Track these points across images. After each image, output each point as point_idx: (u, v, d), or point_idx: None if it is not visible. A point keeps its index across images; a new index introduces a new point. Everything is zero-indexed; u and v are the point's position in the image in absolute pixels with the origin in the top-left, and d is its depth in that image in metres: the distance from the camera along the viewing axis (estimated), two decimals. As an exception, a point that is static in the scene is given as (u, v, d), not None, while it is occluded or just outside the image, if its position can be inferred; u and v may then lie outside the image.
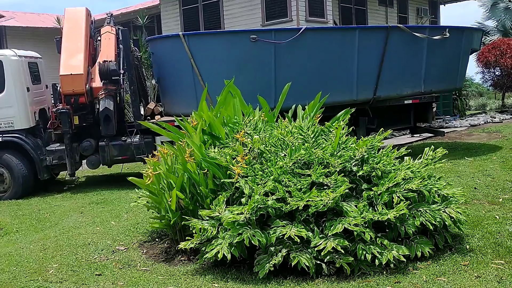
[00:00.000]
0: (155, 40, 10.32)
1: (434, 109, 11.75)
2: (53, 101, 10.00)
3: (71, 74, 8.82)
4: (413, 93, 9.85)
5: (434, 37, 9.36)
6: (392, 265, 4.14)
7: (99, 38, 10.03)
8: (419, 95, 10.00)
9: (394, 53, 9.17)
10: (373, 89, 9.24)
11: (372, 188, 4.47)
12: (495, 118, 16.48)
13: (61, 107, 8.99)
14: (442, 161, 5.00)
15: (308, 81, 8.72)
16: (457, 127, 14.78)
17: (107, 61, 9.09)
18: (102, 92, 8.95)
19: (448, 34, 9.46)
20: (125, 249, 5.33)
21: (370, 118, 9.70)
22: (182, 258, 4.86)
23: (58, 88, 9.16)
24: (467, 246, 4.55)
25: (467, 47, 10.52)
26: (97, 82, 9.18)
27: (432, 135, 12.58)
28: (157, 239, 5.53)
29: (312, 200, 4.21)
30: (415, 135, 13.02)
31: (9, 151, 9.06)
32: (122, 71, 9.14)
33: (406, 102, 9.97)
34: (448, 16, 73.46)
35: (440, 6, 23.08)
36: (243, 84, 8.43)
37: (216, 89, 8.33)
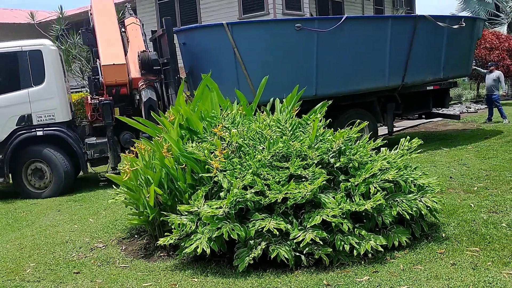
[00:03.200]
0: (190, 31, 10.18)
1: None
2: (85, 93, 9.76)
3: (113, 64, 8.62)
4: (434, 80, 10.34)
5: (454, 27, 9.80)
6: (370, 255, 4.19)
7: (123, 29, 9.86)
8: (439, 82, 10.49)
9: (420, 41, 9.56)
10: (402, 75, 9.61)
11: (349, 179, 4.51)
12: (470, 108, 16.78)
13: (103, 98, 8.75)
14: (418, 151, 5.07)
15: (346, 68, 9.06)
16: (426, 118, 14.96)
17: (146, 51, 8.90)
18: (143, 83, 8.76)
19: (464, 23, 9.98)
20: (103, 246, 5.29)
21: (397, 104, 10.13)
22: (161, 254, 4.84)
23: (100, 79, 8.90)
24: (443, 234, 4.64)
25: (477, 35, 11.09)
26: (134, 73, 8.99)
27: (411, 125, 12.85)
28: (136, 236, 5.50)
29: (290, 193, 4.22)
30: (430, 120, 13.64)
31: (49, 146, 8.58)
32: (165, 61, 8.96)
33: (428, 88, 10.46)
34: (424, 7, 74.32)
35: (416, -2, 23.31)
36: (285, 72, 8.71)
37: (258, 77, 8.41)
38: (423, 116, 12.03)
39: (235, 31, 8.77)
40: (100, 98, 8.87)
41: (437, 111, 11.98)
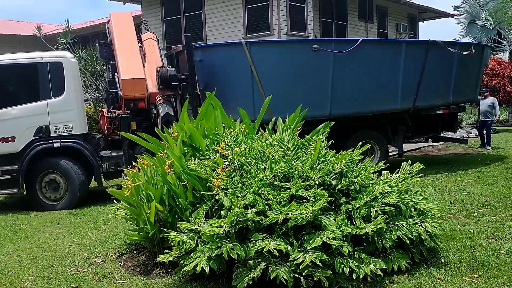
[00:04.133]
0: (207, 48, 10.32)
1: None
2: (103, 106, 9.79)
3: (133, 78, 8.70)
4: (443, 104, 10.56)
5: (464, 53, 10.06)
6: (369, 279, 4.18)
7: (139, 44, 9.99)
8: (448, 106, 10.72)
9: (432, 66, 9.80)
10: (413, 99, 9.82)
11: (351, 202, 4.52)
12: (471, 133, 16.82)
13: (121, 112, 8.83)
14: (419, 175, 5.09)
15: (360, 90, 9.26)
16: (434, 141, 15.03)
17: (165, 66, 9.01)
18: (160, 98, 8.84)
19: (473, 50, 10.25)
20: (102, 261, 5.27)
21: (408, 126, 10.35)
22: (160, 271, 4.82)
23: (119, 92, 8.95)
24: (443, 260, 4.63)
25: (485, 62, 11.46)
26: (152, 87, 9.06)
27: (412, 148, 12.96)
28: (135, 251, 5.48)
29: (291, 214, 4.23)
30: (434, 143, 13.97)
31: (65, 157, 8.54)
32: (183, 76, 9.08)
33: (438, 112, 10.68)
34: (427, 32, 75.08)
35: (419, 22, 23.58)
36: (300, 91, 8.92)
37: (275, 97, 8.68)
38: (430, 140, 12.20)
39: (253, 49, 8.92)
40: (118, 112, 8.94)
41: (444, 135, 12.20)
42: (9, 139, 8.30)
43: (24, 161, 8.31)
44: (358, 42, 9.08)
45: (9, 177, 8.31)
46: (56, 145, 8.47)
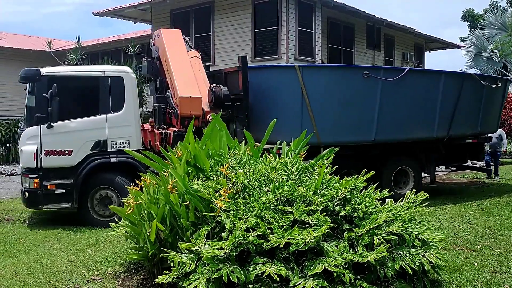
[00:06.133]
0: (256, 69, 10.41)
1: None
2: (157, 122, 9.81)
3: (190, 96, 8.79)
4: (472, 134, 10.91)
5: (493, 86, 10.51)
6: (370, 308, 4.10)
7: None
8: (476, 136, 11.06)
9: (465, 97, 10.16)
10: (448, 128, 10.10)
11: (354, 229, 4.47)
12: (475, 164, 16.71)
13: (177, 129, 8.85)
14: (423, 205, 5.04)
15: (403, 117, 9.51)
16: (438, 171, 14.98)
17: (218, 86, 9.12)
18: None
19: (500, 84, 10.72)
20: (100, 279, 5.21)
21: (440, 154, 10.59)
22: (158, 292, 4.76)
23: (176, 110, 8.95)
24: (445, 292, 4.55)
25: (506, 95, 12.01)
26: (204, 106, 9.12)
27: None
28: (133, 271, 5.42)
29: (293, 238, 4.18)
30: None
31: (119, 173, 8.41)
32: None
33: (467, 141, 11.00)
34: (433, 61, 75.60)
35: (426, 52, 23.76)
36: (348, 116, 9.14)
37: (323, 120, 8.81)
38: (453, 168, 12.58)
39: (306, 73, 9.03)
40: (174, 129, 8.95)
41: (468, 164, 12.61)
42: (67, 152, 8.17)
43: (80, 175, 8.17)
44: (406, 71, 9.34)
45: (63, 191, 8.12)
46: (113, 160, 8.39)
